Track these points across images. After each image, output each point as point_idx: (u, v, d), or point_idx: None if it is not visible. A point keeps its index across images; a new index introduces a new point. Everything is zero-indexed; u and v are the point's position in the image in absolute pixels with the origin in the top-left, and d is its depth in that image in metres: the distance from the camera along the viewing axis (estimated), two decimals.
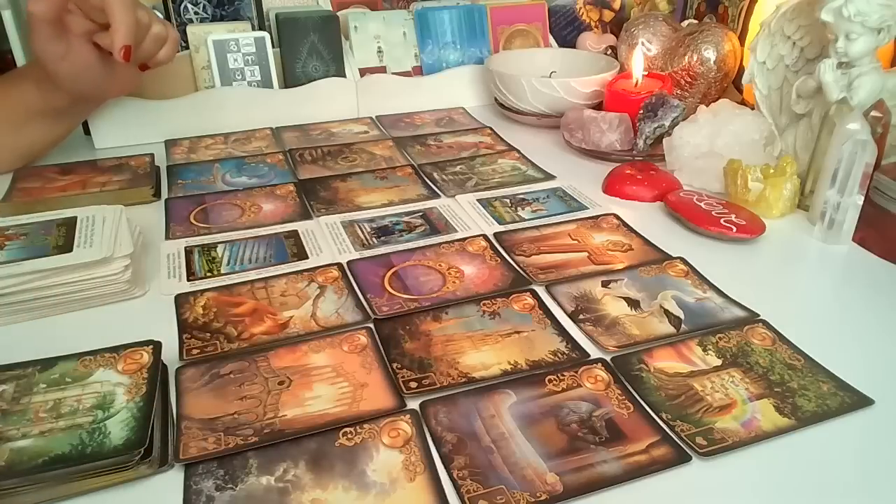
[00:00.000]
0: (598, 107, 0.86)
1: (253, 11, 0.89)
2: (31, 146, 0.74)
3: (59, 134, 0.76)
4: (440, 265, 0.57)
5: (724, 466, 0.38)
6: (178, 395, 0.42)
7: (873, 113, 0.59)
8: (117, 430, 0.38)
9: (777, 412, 0.41)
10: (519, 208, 0.67)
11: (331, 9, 0.96)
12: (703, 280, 0.55)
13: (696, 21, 0.94)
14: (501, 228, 0.63)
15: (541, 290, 0.54)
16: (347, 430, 0.40)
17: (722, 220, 0.61)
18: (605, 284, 0.54)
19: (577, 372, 0.45)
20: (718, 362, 0.46)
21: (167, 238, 0.62)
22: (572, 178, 0.74)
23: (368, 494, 0.36)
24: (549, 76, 0.91)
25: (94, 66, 0.66)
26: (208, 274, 0.56)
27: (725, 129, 0.72)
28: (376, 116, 0.92)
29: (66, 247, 0.51)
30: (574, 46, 1.05)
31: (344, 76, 0.91)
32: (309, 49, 0.88)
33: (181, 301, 0.52)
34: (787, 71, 0.69)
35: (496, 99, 0.95)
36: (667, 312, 0.51)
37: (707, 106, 0.76)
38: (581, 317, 0.50)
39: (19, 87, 0.70)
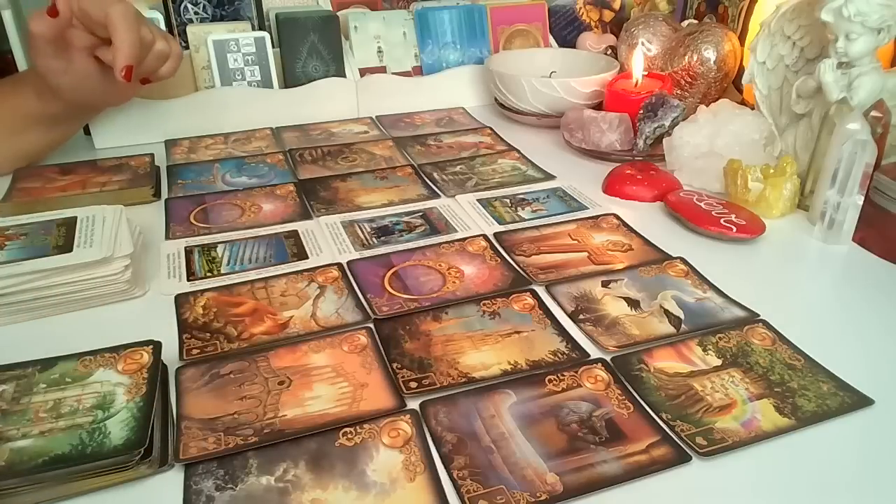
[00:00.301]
0: (598, 107, 0.86)
1: (253, 11, 0.89)
2: (29, 151, 0.74)
3: (58, 139, 0.76)
4: (440, 265, 0.57)
5: (724, 466, 0.38)
6: (178, 395, 0.42)
7: (873, 113, 0.59)
8: (117, 430, 0.38)
9: (777, 412, 0.41)
10: (519, 208, 0.67)
11: (331, 9, 0.96)
12: (703, 280, 0.55)
13: (696, 21, 0.94)
14: (501, 228, 0.63)
15: (541, 290, 0.54)
16: (347, 430, 0.40)
17: (722, 220, 0.61)
18: (605, 284, 0.54)
19: (577, 372, 0.45)
20: (718, 362, 0.46)
21: (167, 238, 0.62)
22: (572, 178, 0.74)
23: (368, 494, 0.36)
24: (549, 76, 0.91)
25: (95, 78, 0.66)
26: (208, 274, 0.56)
27: (725, 129, 0.72)
28: (376, 116, 0.92)
29: (66, 247, 0.51)
30: (574, 46, 1.05)
31: (344, 76, 0.91)
32: (309, 49, 0.88)
33: (181, 301, 0.52)
34: (787, 71, 0.69)
35: (496, 99, 0.95)
36: (667, 312, 0.51)
37: (707, 106, 0.76)
38: (581, 317, 0.50)
39: (19, 93, 0.69)
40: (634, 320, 0.50)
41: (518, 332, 0.49)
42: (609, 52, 1.01)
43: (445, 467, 0.37)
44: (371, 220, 0.65)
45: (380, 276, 0.55)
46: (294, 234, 0.62)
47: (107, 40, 0.62)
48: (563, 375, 0.44)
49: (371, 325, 0.49)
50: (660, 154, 0.76)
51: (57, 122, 0.73)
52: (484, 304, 0.52)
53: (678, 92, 0.87)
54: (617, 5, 1.08)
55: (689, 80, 0.86)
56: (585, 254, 0.59)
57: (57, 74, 0.64)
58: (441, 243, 0.60)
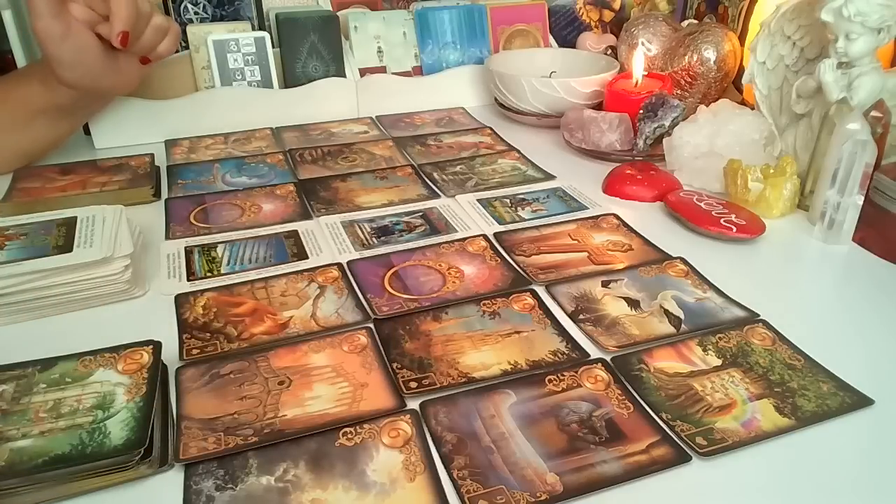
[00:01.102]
0: (598, 107, 0.86)
1: (253, 11, 0.89)
2: (33, 145, 0.74)
3: (62, 134, 0.76)
4: (440, 265, 0.57)
5: (724, 466, 0.38)
6: (178, 395, 0.42)
7: (873, 113, 0.59)
8: (117, 430, 0.38)
9: (777, 412, 0.41)
10: (519, 208, 0.67)
11: (331, 9, 0.96)
12: (703, 280, 0.55)
13: (696, 21, 0.94)
14: (501, 228, 0.63)
15: (541, 290, 0.54)
16: (347, 430, 0.40)
17: (722, 220, 0.61)
18: (605, 284, 0.54)
19: (577, 372, 0.45)
20: (718, 362, 0.46)
21: (167, 238, 0.62)
22: (572, 178, 0.74)
23: (368, 494, 0.36)
24: (549, 76, 0.91)
25: (96, 54, 0.65)
26: (208, 274, 0.56)
27: (725, 129, 0.72)
28: (376, 116, 0.92)
29: (66, 247, 0.51)
30: (574, 46, 1.05)
31: (344, 76, 0.91)
32: (309, 49, 0.88)
33: (181, 301, 0.52)
34: (787, 71, 0.69)
35: (496, 99, 0.95)
36: (667, 312, 0.51)
37: (707, 106, 0.76)
38: (581, 317, 0.50)
39: (24, 84, 0.69)
40: (634, 320, 0.50)
41: (518, 332, 0.49)
42: (609, 52, 1.01)
43: (445, 467, 0.37)
44: (371, 220, 0.65)
45: (380, 276, 0.55)
46: (294, 234, 0.62)
47: (106, 17, 0.62)
48: (563, 375, 0.44)
49: (371, 325, 0.49)
50: (660, 154, 0.76)
51: (61, 114, 0.72)
52: (484, 304, 0.52)
53: (678, 92, 0.87)
54: (617, 5, 1.08)
55: (689, 80, 0.86)
56: (585, 254, 0.59)
57: (56, 41, 0.62)
58: (441, 243, 0.60)
